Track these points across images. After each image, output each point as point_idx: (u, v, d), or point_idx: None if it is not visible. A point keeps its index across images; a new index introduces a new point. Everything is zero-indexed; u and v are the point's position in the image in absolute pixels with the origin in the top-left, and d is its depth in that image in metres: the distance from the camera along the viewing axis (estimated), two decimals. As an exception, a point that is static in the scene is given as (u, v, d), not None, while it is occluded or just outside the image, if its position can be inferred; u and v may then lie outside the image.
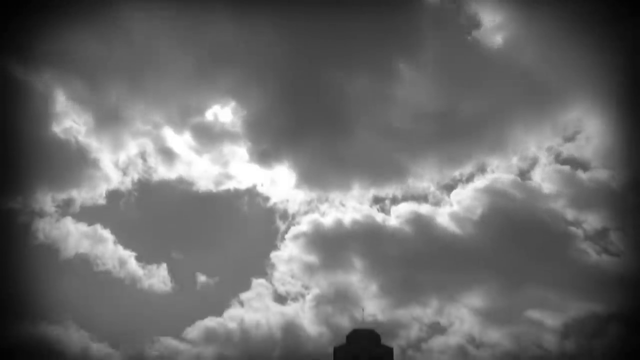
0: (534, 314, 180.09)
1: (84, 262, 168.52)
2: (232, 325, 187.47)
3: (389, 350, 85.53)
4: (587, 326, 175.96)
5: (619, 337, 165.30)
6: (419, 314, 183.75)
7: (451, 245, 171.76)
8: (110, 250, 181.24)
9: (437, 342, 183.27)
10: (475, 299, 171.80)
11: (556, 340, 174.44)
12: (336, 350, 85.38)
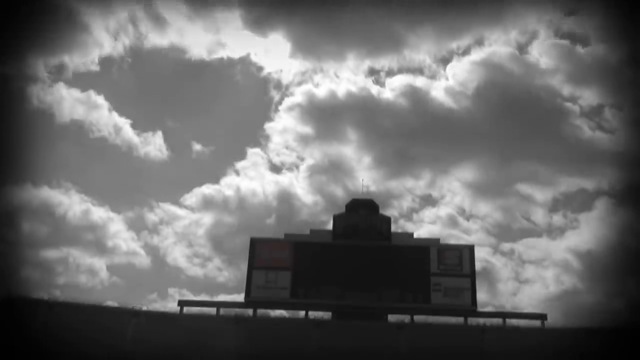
0: (524, 188, 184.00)
1: (79, 128, 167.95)
2: (229, 192, 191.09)
3: (387, 219, 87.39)
4: (576, 201, 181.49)
5: (607, 211, 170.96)
6: (411, 186, 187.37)
7: (445, 119, 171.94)
8: (105, 117, 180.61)
9: (429, 213, 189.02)
10: (467, 172, 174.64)
11: (544, 213, 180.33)
12: (335, 218, 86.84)
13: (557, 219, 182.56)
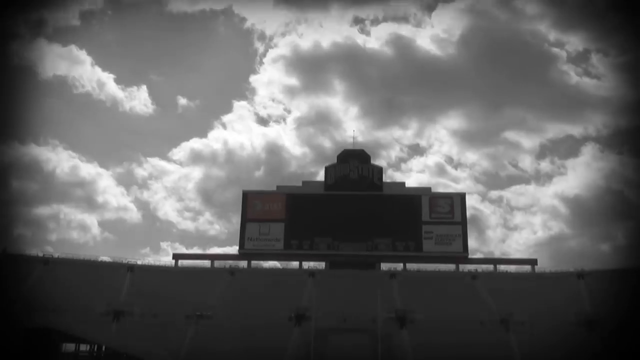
0: (512, 135, 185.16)
1: (62, 84, 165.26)
2: (217, 146, 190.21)
3: (379, 169, 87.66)
4: (563, 147, 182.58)
5: (594, 157, 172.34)
6: (399, 136, 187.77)
7: (431, 67, 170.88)
8: (88, 72, 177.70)
9: (417, 162, 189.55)
10: (454, 121, 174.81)
11: (532, 160, 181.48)
12: (327, 169, 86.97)
13: (545, 165, 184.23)
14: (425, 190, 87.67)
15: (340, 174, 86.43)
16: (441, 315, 65.78)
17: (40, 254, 79.98)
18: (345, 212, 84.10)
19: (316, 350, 51.93)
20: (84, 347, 61.54)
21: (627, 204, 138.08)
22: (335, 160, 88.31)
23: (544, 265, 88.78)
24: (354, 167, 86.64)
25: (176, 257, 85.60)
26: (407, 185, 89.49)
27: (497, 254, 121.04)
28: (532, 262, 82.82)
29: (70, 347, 61.63)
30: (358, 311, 65.43)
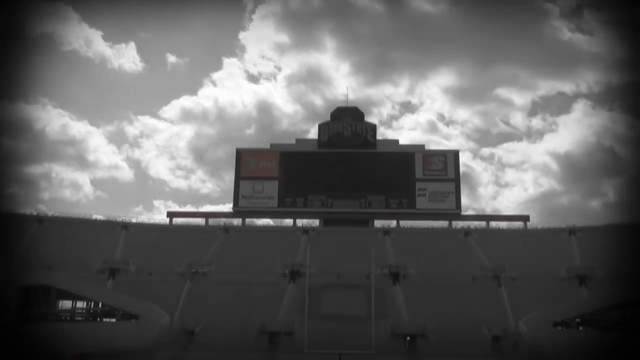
0: (503, 92, 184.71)
1: (49, 41, 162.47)
2: (208, 104, 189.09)
3: (373, 127, 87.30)
4: (554, 104, 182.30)
5: (585, 113, 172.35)
6: (390, 93, 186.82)
7: (423, 24, 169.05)
8: (75, 29, 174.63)
9: (408, 119, 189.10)
10: (446, 78, 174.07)
11: (524, 117, 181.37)
12: (321, 127, 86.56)
13: (536, 122, 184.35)
14: (419, 148, 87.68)
15: (333, 131, 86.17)
16: (434, 271, 66.70)
17: (35, 213, 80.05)
18: (339, 170, 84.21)
19: (310, 306, 52.58)
20: (80, 304, 62.33)
21: (617, 160, 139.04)
22: (327, 118, 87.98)
23: (535, 222, 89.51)
24: (347, 124, 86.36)
25: (170, 215, 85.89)
26: (400, 143, 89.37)
27: (488, 211, 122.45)
28: (525, 218, 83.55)
29: (67, 304, 62.42)
30: (352, 267, 66.16)
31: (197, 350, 52.64)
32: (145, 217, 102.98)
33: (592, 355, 48.45)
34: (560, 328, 55.07)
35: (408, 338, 55.11)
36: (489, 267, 68.97)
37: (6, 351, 47.13)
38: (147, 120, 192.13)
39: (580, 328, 57.29)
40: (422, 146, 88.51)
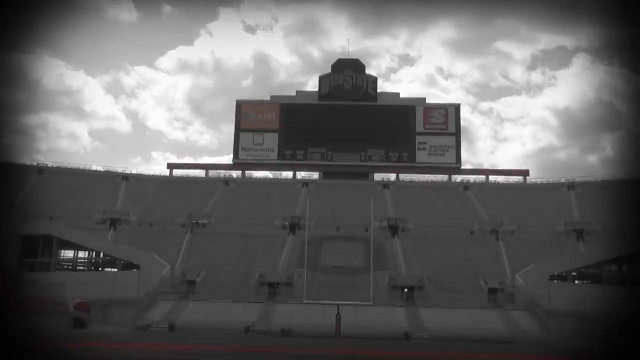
0: (503, 46, 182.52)
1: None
2: (204, 55, 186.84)
3: (374, 80, 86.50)
4: (554, 58, 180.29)
5: (585, 68, 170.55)
6: (389, 45, 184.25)
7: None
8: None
9: (407, 72, 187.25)
10: (445, 31, 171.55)
11: (523, 71, 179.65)
12: (321, 79, 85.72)
13: (536, 76, 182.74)
14: (420, 101, 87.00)
15: (334, 83, 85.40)
16: (433, 225, 67.12)
17: (34, 164, 79.97)
18: (340, 123, 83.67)
19: (310, 258, 53.04)
20: (82, 254, 62.98)
21: (616, 115, 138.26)
22: (326, 70, 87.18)
23: (534, 176, 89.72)
24: (348, 77, 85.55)
25: (171, 166, 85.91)
26: (401, 96, 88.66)
27: (486, 166, 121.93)
28: (525, 173, 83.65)
29: (69, 254, 63.05)
30: (351, 220, 66.58)
31: (198, 300, 53.45)
32: (143, 169, 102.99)
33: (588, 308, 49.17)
34: (556, 281, 55.77)
35: (406, 290, 55.93)
36: (488, 221, 69.46)
37: (9, 300, 47.71)
38: (144, 71, 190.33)
39: (576, 282, 58.07)
40: (424, 100, 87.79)
